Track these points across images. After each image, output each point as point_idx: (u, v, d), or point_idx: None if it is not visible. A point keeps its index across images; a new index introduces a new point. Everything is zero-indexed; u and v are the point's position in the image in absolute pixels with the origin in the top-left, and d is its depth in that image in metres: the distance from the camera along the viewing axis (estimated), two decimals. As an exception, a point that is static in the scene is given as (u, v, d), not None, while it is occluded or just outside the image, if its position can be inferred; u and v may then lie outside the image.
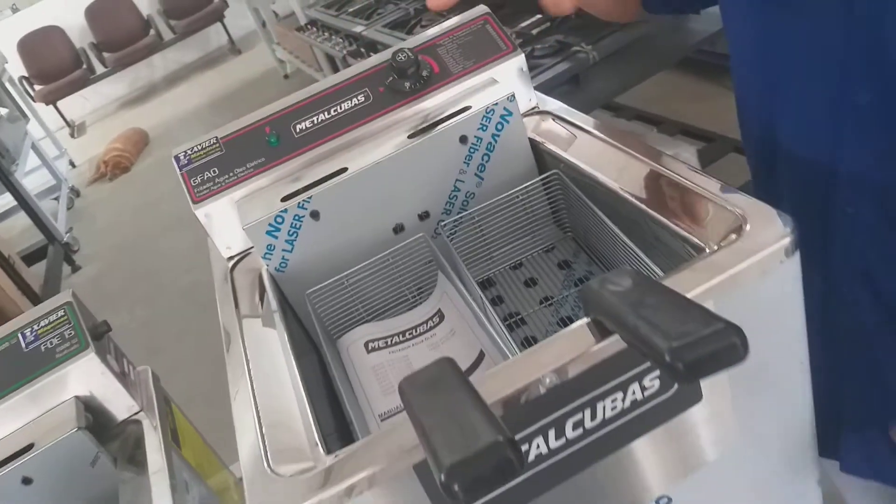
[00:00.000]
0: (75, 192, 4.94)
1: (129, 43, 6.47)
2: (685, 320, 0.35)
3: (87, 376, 0.68)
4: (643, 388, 0.46)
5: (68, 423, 0.65)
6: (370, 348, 0.68)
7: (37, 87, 6.35)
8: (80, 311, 0.71)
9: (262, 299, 0.66)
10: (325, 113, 0.70)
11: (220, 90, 5.73)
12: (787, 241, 0.46)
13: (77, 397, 0.68)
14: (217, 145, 0.71)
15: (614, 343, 0.44)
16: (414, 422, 0.38)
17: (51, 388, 0.67)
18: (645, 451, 0.49)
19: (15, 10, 6.80)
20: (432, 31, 0.74)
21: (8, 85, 4.95)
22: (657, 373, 0.46)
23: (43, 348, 0.69)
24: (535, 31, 1.92)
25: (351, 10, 2.95)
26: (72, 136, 6.50)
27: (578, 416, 0.45)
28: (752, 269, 0.45)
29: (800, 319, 0.49)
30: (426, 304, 0.72)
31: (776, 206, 0.48)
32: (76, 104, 6.61)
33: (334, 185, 0.65)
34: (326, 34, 3.00)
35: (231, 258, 0.71)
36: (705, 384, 0.48)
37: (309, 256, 0.68)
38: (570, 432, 0.45)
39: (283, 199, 0.66)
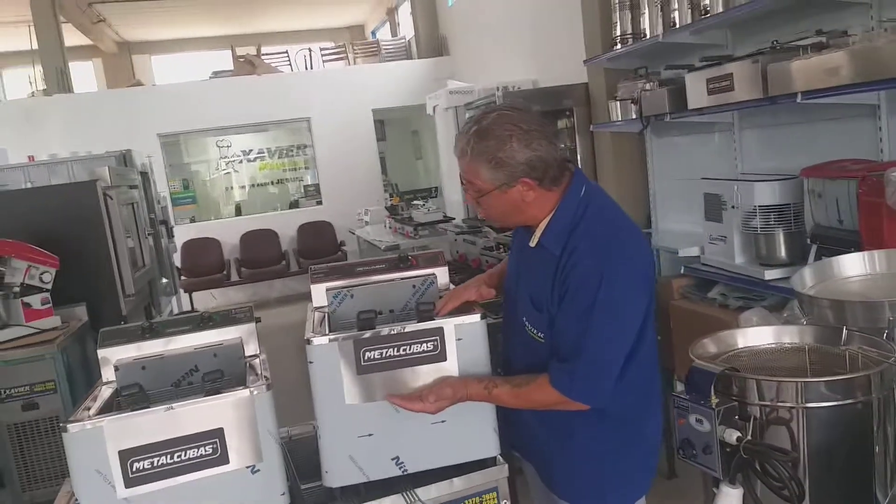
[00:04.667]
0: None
1: (263, 265, 8.23)
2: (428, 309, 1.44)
3: (248, 328, 1.76)
4: (428, 345, 1.50)
5: (237, 342, 1.72)
6: (354, 351, 1.73)
7: (183, 278, 8.05)
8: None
9: (322, 321, 1.74)
10: (372, 266, 1.84)
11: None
12: (478, 317, 1.52)
13: (240, 337, 1.76)
14: (323, 268, 1.85)
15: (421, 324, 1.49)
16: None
17: (235, 330, 1.75)
18: (428, 375, 1.50)
19: (193, 220, 8.89)
20: (419, 266, 1.89)
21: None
22: (433, 339, 1.49)
23: (237, 316, 1.79)
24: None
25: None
26: (190, 320, 8.00)
27: (413, 344, 1.49)
28: (466, 324, 1.51)
29: (483, 347, 1.53)
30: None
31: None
32: (204, 298, 8.23)
33: (361, 287, 1.77)
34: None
35: (315, 308, 1.81)
36: (450, 354, 1.50)
37: (345, 310, 1.77)
38: (409, 350, 1.49)
39: (343, 288, 1.78)
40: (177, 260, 7.94)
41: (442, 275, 1.83)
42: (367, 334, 1.49)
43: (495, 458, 1.59)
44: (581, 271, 1.42)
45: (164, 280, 5.54)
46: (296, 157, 10.04)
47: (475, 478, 1.57)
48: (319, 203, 9.21)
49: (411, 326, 1.50)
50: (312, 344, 1.48)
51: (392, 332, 1.49)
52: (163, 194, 6.58)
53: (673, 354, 3.44)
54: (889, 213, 2.38)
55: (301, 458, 1.80)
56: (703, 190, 3.41)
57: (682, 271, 3.67)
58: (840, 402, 1.41)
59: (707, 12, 3.24)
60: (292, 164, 10.11)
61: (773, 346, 1.73)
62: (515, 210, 1.53)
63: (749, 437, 1.42)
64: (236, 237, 8.57)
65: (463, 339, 1.52)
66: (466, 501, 1.59)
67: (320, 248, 8.44)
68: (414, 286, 1.80)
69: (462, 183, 1.57)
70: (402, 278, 1.81)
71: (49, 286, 3.56)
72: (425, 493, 1.53)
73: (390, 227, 5.89)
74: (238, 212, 9.75)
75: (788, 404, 1.43)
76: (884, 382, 1.44)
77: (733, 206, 3.19)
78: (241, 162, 9.94)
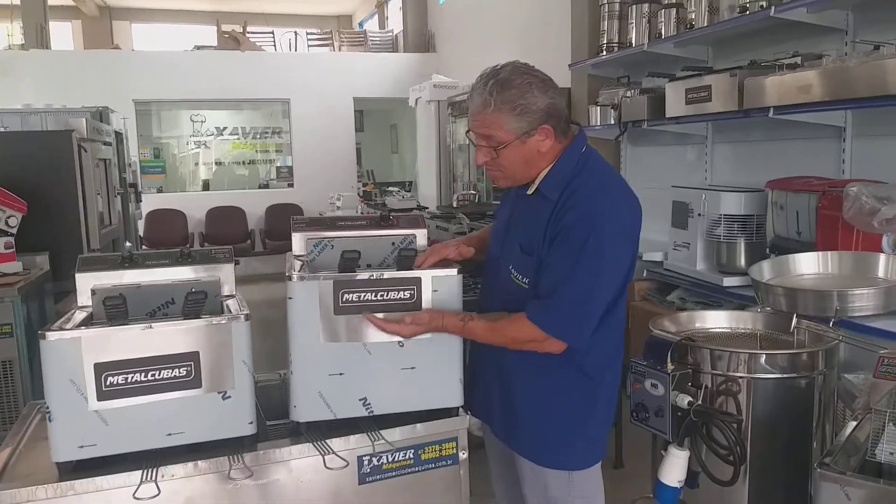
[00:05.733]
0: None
1: (228, 242, 8.15)
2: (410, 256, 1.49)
3: (227, 268, 1.79)
4: (405, 294, 1.55)
5: (215, 280, 1.75)
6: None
7: (144, 247, 7.95)
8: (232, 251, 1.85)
9: (302, 267, 1.78)
10: (352, 222, 1.89)
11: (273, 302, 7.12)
12: (455, 271, 1.58)
13: (219, 276, 1.79)
14: (305, 219, 1.89)
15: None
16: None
17: (213, 269, 1.78)
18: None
19: (160, 190, 8.78)
20: (400, 227, 1.95)
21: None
22: (410, 288, 1.55)
23: (217, 256, 1.81)
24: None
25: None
26: (149, 290, 7.89)
27: (390, 291, 1.54)
28: (443, 277, 1.57)
29: (457, 300, 1.59)
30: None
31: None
32: (165, 269, 8.12)
33: (341, 237, 1.81)
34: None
35: (296, 256, 1.84)
36: (425, 303, 1.56)
37: (324, 259, 1.81)
38: (386, 296, 1.54)
39: (323, 238, 1.82)
40: (140, 228, 7.84)
41: (421, 236, 1.88)
42: (348, 277, 1.53)
43: (458, 408, 1.65)
44: (575, 215, 1.49)
45: (128, 244, 5.47)
46: (269, 139, 10.00)
47: (438, 425, 1.63)
48: (291, 185, 9.18)
49: (390, 274, 1.56)
50: (294, 280, 1.53)
51: (372, 277, 1.54)
52: (133, 159, 6.50)
53: (630, 353, 3.54)
54: (844, 226, 2.51)
55: (266, 402, 1.83)
56: (672, 198, 3.53)
57: (644, 275, 3.79)
58: (785, 376, 1.51)
59: (692, 26, 3.37)
60: (264, 146, 10.06)
61: (727, 330, 1.83)
62: (528, 163, 1.58)
63: (699, 402, 1.50)
64: (202, 212, 8.49)
65: (438, 290, 1.58)
66: (427, 447, 1.64)
67: (288, 228, 8.40)
68: (393, 244, 1.85)
69: (473, 143, 1.62)
70: (382, 235, 1.85)
71: (14, 231, 3.51)
72: (389, 434, 1.58)
73: (363, 213, 5.93)
74: (206, 187, 9.65)
75: (738, 374, 1.52)
76: (827, 362, 1.54)
77: (699, 214, 3.31)
78: (213, 137, 9.86)
